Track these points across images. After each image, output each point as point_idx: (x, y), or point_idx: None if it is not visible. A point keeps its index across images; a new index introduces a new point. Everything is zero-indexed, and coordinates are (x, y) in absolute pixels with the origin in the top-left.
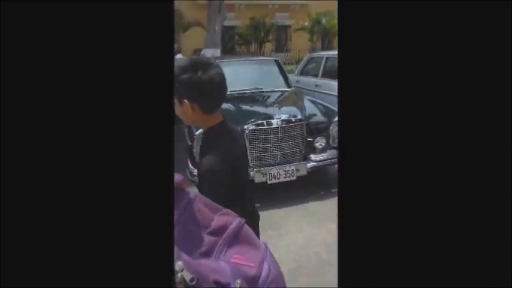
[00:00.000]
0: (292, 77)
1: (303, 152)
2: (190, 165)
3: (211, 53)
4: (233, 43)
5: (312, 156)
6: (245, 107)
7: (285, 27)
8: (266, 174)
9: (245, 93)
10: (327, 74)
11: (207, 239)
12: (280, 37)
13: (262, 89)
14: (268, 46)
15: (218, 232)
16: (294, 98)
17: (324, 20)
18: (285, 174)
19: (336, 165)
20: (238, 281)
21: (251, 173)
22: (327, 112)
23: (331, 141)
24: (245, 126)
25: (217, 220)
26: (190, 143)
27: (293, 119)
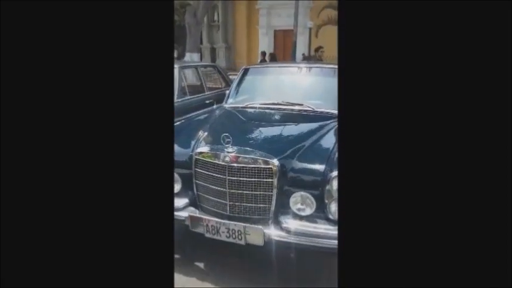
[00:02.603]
0: None
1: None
2: None
3: None
4: None
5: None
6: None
7: None
8: (204, 223)
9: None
10: None
11: None
12: None
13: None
14: None
15: None
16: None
17: None
18: (227, 232)
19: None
20: None
21: (186, 214)
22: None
23: (328, 208)
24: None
25: None
26: None
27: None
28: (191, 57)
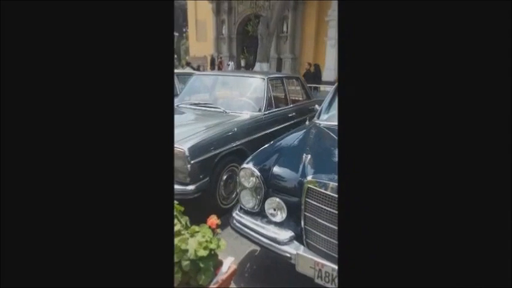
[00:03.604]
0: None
1: None
2: None
3: None
4: None
5: None
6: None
7: None
8: (316, 267)
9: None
10: None
11: None
12: None
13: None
14: None
15: None
16: None
17: None
18: None
19: None
20: None
21: (295, 251)
22: None
23: None
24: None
25: None
26: None
27: None
28: (261, 67)
